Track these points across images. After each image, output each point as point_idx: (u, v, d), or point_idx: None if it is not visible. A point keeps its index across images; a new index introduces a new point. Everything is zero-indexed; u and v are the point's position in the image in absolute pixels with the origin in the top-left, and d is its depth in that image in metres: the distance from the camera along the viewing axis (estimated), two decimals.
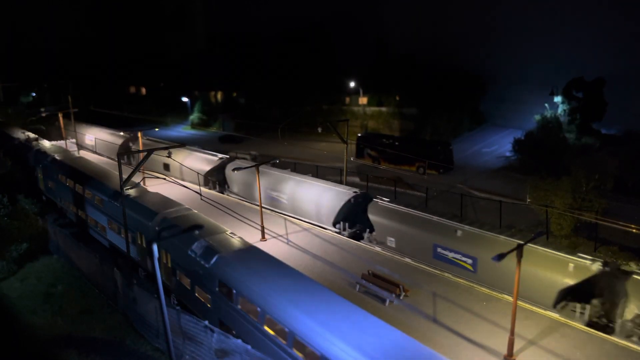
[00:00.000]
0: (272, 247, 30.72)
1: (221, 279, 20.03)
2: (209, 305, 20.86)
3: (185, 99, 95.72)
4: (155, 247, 17.32)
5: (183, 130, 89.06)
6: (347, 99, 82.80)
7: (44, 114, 65.68)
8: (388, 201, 33.17)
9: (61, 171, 37.87)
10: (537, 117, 60.40)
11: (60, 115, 56.66)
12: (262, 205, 33.49)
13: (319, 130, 43.48)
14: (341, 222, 33.73)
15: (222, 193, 42.95)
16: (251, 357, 16.71)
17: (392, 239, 30.83)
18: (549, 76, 65.62)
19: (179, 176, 45.60)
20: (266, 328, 17.74)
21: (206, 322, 18.43)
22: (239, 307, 18.95)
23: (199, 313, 21.15)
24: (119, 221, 28.52)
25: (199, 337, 18.63)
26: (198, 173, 42.23)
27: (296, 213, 36.34)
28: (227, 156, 46.17)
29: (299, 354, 16.32)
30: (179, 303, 23.26)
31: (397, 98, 76.54)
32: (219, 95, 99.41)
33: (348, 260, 28.60)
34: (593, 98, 58.06)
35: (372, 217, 32.03)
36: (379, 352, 14.77)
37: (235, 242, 22.74)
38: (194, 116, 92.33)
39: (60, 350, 22.30)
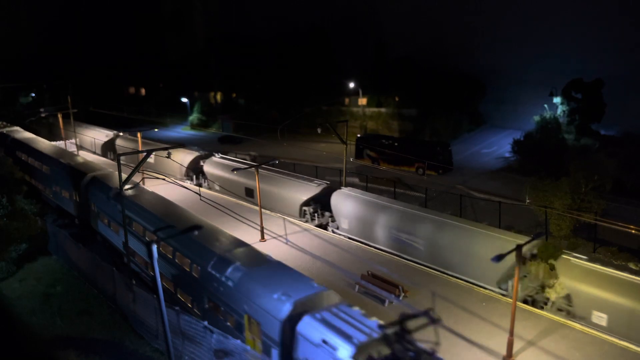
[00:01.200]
0: (271, 247, 30.72)
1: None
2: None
3: (184, 100, 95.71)
4: (154, 248, 17.31)
5: (182, 131, 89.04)
6: (347, 100, 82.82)
7: (43, 115, 65.61)
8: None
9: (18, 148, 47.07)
10: (536, 118, 60.43)
11: (59, 115, 56.65)
12: (387, 249, 30.55)
13: (319, 131, 43.38)
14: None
15: (326, 229, 35.28)
16: (251, 357, 16.72)
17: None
18: (548, 77, 65.60)
19: (272, 206, 37.99)
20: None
21: (205, 323, 18.43)
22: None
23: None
24: (58, 184, 38.82)
25: (198, 338, 18.63)
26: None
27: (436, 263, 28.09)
28: (327, 182, 38.24)
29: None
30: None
31: (397, 99, 76.55)
32: (219, 96, 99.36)
33: (347, 260, 28.61)
34: (592, 99, 58.07)
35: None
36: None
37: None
38: (193, 117, 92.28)
39: (59, 350, 22.28)
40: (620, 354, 19.53)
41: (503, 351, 19.53)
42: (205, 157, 46.74)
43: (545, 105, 61.50)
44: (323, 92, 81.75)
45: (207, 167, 45.70)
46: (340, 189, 35.35)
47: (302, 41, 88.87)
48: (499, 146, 65.22)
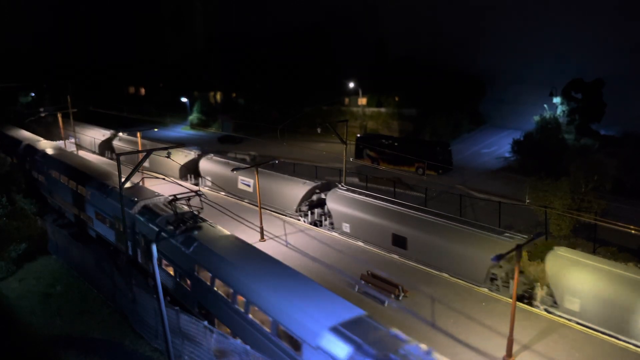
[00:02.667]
0: (271, 247, 30.72)
1: None
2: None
3: (184, 100, 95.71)
4: (154, 248, 17.30)
5: (182, 131, 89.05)
6: (347, 100, 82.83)
7: (43, 115, 65.61)
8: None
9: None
10: (536, 118, 60.42)
11: (59, 115, 56.64)
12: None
13: (319, 131, 43.39)
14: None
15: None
16: (250, 357, 16.71)
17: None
18: (548, 77, 65.59)
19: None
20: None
21: (205, 323, 18.43)
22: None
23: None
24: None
25: (197, 338, 18.63)
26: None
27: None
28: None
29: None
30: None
31: (397, 99, 76.55)
32: (218, 96, 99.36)
33: (346, 261, 28.61)
34: (592, 99, 58.07)
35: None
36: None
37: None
38: (193, 117, 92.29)
39: (59, 350, 22.28)
40: (619, 354, 19.53)
41: (502, 351, 19.53)
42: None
43: (545, 105, 61.50)
44: (323, 91, 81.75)
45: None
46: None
47: (302, 41, 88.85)
48: (499, 146, 65.21)
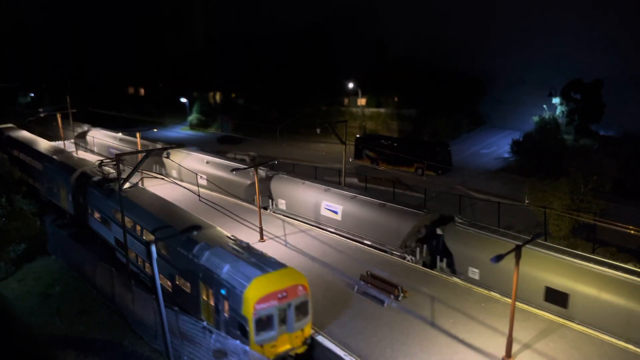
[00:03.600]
0: (270, 248, 30.70)
1: None
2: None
3: (183, 100, 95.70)
4: (153, 248, 17.31)
5: (182, 131, 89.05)
6: (346, 100, 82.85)
7: (42, 115, 65.58)
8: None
9: None
10: (536, 118, 60.47)
11: (59, 115, 56.62)
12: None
13: (318, 131, 43.40)
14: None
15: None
16: (249, 357, 16.72)
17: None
18: (548, 78, 65.61)
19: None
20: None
21: (205, 323, 18.42)
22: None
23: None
24: None
25: (197, 338, 18.62)
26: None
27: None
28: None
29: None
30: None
31: (396, 99, 76.57)
32: (218, 96, 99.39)
33: (346, 261, 28.60)
34: (591, 100, 58.14)
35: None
36: None
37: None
38: (193, 117, 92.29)
39: (58, 350, 22.27)
40: (619, 354, 19.54)
41: (502, 351, 19.53)
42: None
43: (545, 106, 61.56)
44: (322, 92, 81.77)
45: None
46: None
47: (302, 41, 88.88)
48: (498, 146, 65.26)
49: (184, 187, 40.83)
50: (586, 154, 51.89)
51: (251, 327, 18.92)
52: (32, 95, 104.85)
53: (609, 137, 58.70)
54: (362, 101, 79.44)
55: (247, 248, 22.56)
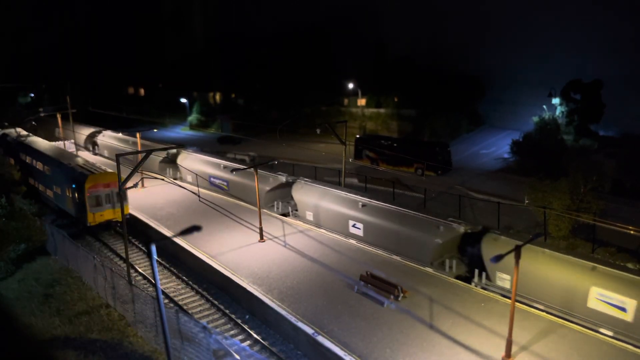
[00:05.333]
0: (270, 248, 30.75)
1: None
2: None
3: (183, 100, 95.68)
4: (153, 248, 17.30)
5: (181, 131, 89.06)
6: (346, 101, 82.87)
7: (42, 115, 65.64)
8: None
9: None
10: (535, 118, 60.48)
11: (58, 115, 56.64)
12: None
13: (318, 131, 43.40)
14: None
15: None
16: (249, 357, 16.72)
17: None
18: (547, 78, 65.61)
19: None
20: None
21: (205, 323, 18.42)
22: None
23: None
24: None
25: (197, 338, 18.62)
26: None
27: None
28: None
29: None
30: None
31: (396, 99, 76.61)
32: (218, 97, 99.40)
33: (345, 261, 28.62)
34: (591, 100, 58.15)
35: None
36: None
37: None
38: (193, 117, 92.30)
39: (58, 351, 22.26)
40: (618, 354, 19.56)
41: (502, 352, 19.55)
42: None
43: (544, 106, 61.57)
44: (322, 92, 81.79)
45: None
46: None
47: (302, 41, 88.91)
48: (498, 147, 65.27)
49: (184, 188, 40.85)
50: (586, 154, 51.96)
51: (87, 203, 34.27)
52: (32, 95, 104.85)
53: (609, 137, 58.75)
54: (362, 101, 79.46)
55: (92, 164, 38.07)
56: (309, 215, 35.26)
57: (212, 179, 43.22)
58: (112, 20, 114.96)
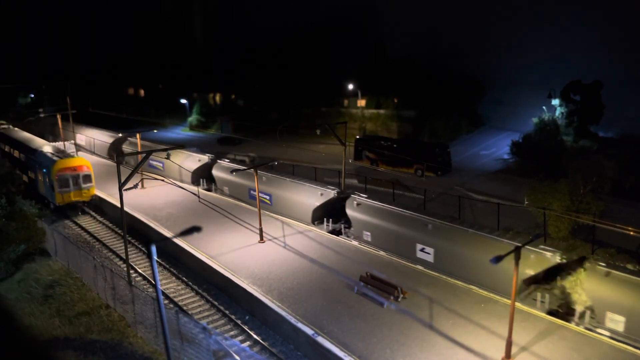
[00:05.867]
0: (270, 249, 30.77)
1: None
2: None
3: (183, 101, 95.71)
4: (153, 249, 17.31)
5: (181, 132, 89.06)
6: (346, 101, 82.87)
7: (42, 115, 65.62)
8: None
9: None
10: (535, 119, 60.45)
11: (58, 116, 56.64)
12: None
13: (318, 132, 43.42)
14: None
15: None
16: (249, 357, 16.74)
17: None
18: (547, 79, 65.60)
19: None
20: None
21: (204, 324, 18.43)
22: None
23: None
24: None
25: (197, 338, 18.63)
26: None
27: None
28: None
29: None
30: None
31: (396, 100, 76.62)
32: (218, 97, 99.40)
33: (345, 262, 28.62)
34: (591, 101, 58.13)
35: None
36: None
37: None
38: (192, 118, 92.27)
39: (58, 351, 22.28)
40: (618, 355, 19.56)
41: (501, 352, 19.56)
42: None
43: (544, 107, 61.58)
44: (322, 93, 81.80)
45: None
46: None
47: (301, 42, 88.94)
48: (498, 148, 65.27)
49: (184, 189, 40.85)
50: (585, 155, 51.96)
51: (55, 185, 39.08)
52: (32, 96, 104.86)
53: (608, 138, 58.74)
54: (361, 102, 79.46)
55: (62, 151, 44.30)
56: (367, 236, 31.73)
57: (252, 192, 39.07)
58: (112, 20, 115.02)
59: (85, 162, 41.23)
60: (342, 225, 34.55)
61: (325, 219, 34.90)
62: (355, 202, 32.77)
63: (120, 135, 58.00)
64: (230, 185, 42.42)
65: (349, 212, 32.84)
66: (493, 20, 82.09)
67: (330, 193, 34.35)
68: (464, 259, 26.11)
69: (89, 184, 40.56)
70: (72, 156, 42.36)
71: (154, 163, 49.59)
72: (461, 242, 26.50)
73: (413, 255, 28.80)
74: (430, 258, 27.96)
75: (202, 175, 45.84)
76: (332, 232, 34.25)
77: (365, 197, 33.27)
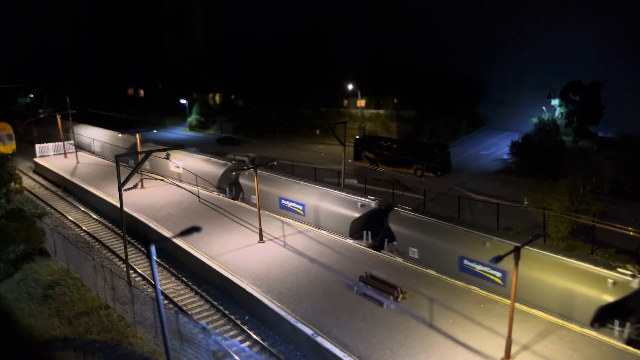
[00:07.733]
0: (269, 249, 30.76)
1: None
2: None
3: (183, 101, 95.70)
4: (153, 249, 17.30)
5: (181, 132, 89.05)
6: (345, 102, 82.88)
7: (42, 116, 65.59)
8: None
9: None
10: (535, 120, 60.50)
11: (58, 116, 56.65)
12: None
13: (317, 132, 43.38)
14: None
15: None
16: (249, 357, 16.74)
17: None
18: (547, 79, 65.62)
19: None
20: None
21: (204, 324, 18.43)
22: None
23: None
24: None
25: (196, 339, 18.63)
26: None
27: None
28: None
29: None
30: None
31: (395, 100, 76.67)
32: (217, 98, 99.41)
33: (345, 262, 28.62)
34: (590, 101, 58.19)
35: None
36: None
37: None
38: (192, 118, 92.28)
39: (57, 352, 22.25)
40: (617, 355, 19.57)
41: (501, 352, 19.57)
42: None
43: (544, 107, 61.62)
44: (322, 93, 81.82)
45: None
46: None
47: (301, 42, 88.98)
48: (497, 148, 65.30)
49: (184, 189, 40.87)
50: (585, 156, 51.98)
51: None
52: (32, 96, 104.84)
53: (608, 138, 58.78)
54: (361, 102, 79.49)
55: None
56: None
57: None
58: (111, 20, 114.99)
59: (8, 126, 61.79)
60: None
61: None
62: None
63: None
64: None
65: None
66: (493, 21, 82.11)
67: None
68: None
69: (11, 141, 60.74)
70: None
71: (290, 204, 36.17)
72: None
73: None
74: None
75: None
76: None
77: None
